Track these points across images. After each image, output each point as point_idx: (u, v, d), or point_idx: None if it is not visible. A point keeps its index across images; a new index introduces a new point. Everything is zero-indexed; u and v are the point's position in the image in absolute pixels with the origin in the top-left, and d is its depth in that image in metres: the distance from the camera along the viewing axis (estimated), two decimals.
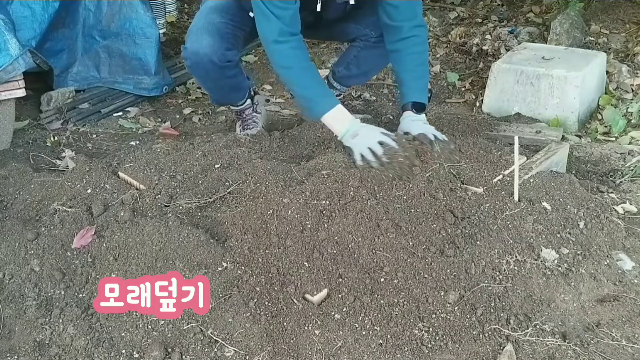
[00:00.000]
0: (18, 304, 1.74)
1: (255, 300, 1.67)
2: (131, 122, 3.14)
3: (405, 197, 1.93)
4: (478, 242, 1.82)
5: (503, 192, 1.98)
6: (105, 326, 1.65)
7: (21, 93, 2.66)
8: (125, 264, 1.78)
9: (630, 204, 2.21)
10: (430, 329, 1.63)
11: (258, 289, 1.70)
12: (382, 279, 1.74)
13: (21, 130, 2.91)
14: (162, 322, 1.64)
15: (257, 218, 1.87)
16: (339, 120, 2.19)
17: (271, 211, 1.86)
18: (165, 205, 2.00)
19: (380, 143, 2.06)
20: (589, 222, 1.93)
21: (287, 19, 2.13)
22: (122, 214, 1.91)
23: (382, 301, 1.69)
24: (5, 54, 2.51)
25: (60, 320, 1.66)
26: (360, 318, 1.66)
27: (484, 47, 3.89)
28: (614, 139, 2.92)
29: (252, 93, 2.73)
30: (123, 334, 1.63)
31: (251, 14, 2.36)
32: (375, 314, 1.66)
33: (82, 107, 3.13)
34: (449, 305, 1.68)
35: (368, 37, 2.56)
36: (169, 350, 1.57)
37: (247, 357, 1.56)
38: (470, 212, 1.93)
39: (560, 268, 1.79)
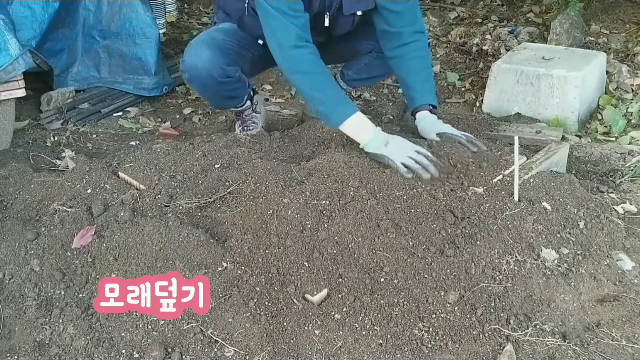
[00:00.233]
0: (18, 304, 1.74)
1: (255, 300, 1.67)
2: (131, 122, 3.14)
3: (405, 197, 1.93)
4: (478, 242, 1.82)
5: (503, 192, 1.98)
6: (105, 326, 1.65)
7: (21, 93, 2.66)
8: (125, 264, 1.78)
9: (630, 204, 2.21)
10: (430, 329, 1.63)
11: (258, 289, 1.70)
12: (382, 279, 1.74)
13: (21, 130, 2.91)
14: (162, 322, 1.64)
15: (257, 218, 1.87)
16: (361, 127, 2.13)
17: (271, 211, 1.86)
18: (165, 205, 2.00)
19: (416, 152, 2.03)
20: (589, 222, 1.93)
21: (301, 26, 2.12)
22: (122, 214, 1.91)
23: (382, 301, 1.69)
24: (5, 54, 2.52)
25: (60, 320, 1.66)
26: (360, 318, 1.66)
27: (484, 47, 3.89)
28: (614, 139, 2.92)
29: (252, 93, 2.73)
30: (123, 334, 1.63)
31: (260, 41, 2.35)
32: (375, 314, 1.66)
33: (82, 107, 3.13)
34: (449, 305, 1.68)
35: (379, 49, 2.53)
36: (169, 350, 1.57)
37: (247, 357, 1.56)
38: (470, 212, 1.93)
39: (560, 268, 1.79)
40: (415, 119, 2.38)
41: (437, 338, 1.61)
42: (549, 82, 2.96)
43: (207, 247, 1.79)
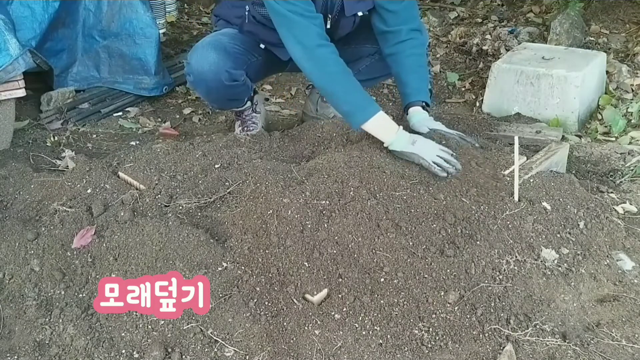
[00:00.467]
0: (18, 304, 1.74)
1: (255, 300, 1.67)
2: (131, 122, 3.14)
3: (405, 197, 1.93)
4: (478, 242, 1.82)
5: (503, 192, 1.98)
6: (105, 326, 1.65)
7: (21, 93, 2.66)
8: (125, 264, 1.78)
9: (630, 204, 2.21)
10: (430, 329, 1.63)
11: (258, 289, 1.70)
12: (382, 279, 1.74)
13: (21, 130, 2.91)
14: (162, 322, 1.64)
15: (257, 218, 1.87)
16: (386, 126, 2.12)
17: (271, 211, 1.86)
18: (165, 205, 2.00)
19: (443, 151, 2.07)
20: (589, 222, 1.93)
21: (320, 25, 2.13)
22: (122, 214, 1.91)
23: (382, 301, 1.69)
24: (5, 54, 2.51)
25: (60, 320, 1.66)
26: (360, 318, 1.66)
27: (484, 47, 3.89)
28: (614, 139, 2.92)
29: (252, 93, 2.73)
30: (123, 334, 1.63)
31: (262, 46, 2.35)
32: (375, 314, 1.66)
33: (82, 107, 3.13)
34: (449, 305, 1.68)
35: (381, 51, 2.53)
36: (169, 350, 1.58)
37: (247, 357, 1.56)
38: (470, 212, 1.93)
39: (560, 268, 1.79)
40: (407, 114, 2.37)
41: (437, 338, 1.61)
42: (549, 82, 2.96)
43: (207, 247, 1.79)
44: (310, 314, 1.66)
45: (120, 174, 2.20)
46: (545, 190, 2.00)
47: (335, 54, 2.14)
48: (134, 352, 1.59)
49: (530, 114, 3.02)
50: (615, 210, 2.12)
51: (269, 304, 1.67)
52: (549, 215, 1.90)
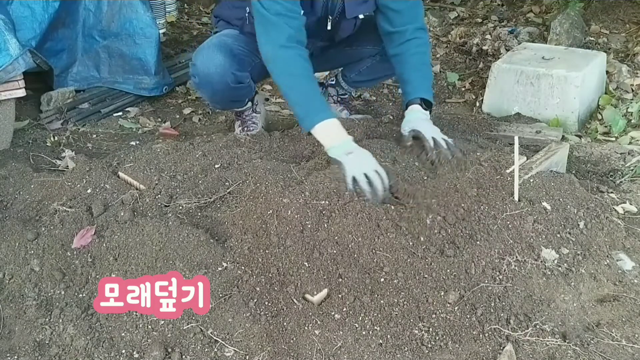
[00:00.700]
0: (18, 304, 1.74)
1: (255, 300, 1.67)
2: (131, 122, 3.14)
3: None
4: (478, 242, 1.82)
5: (503, 192, 1.98)
6: (105, 326, 1.65)
7: (21, 93, 2.66)
8: (125, 264, 1.78)
9: (630, 204, 2.21)
10: (430, 329, 1.63)
11: (258, 289, 1.70)
12: (382, 279, 1.74)
13: (21, 130, 2.91)
14: (162, 322, 1.64)
15: (257, 218, 1.87)
16: (335, 133, 2.07)
17: (271, 211, 1.86)
18: (165, 205, 2.00)
19: (375, 171, 1.93)
20: (589, 222, 1.93)
21: (296, 27, 2.11)
22: (122, 214, 1.91)
23: (382, 301, 1.69)
24: (5, 54, 2.51)
25: (60, 320, 1.66)
26: (360, 318, 1.66)
27: (484, 47, 3.89)
28: (614, 139, 2.92)
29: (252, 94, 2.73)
30: (123, 334, 1.63)
31: None
32: (375, 314, 1.66)
33: (82, 107, 3.13)
34: (449, 305, 1.68)
35: (382, 52, 2.52)
36: (169, 350, 1.58)
37: (247, 357, 1.56)
38: (470, 212, 1.93)
39: (560, 268, 1.79)
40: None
41: (437, 338, 1.61)
42: (549, 82, 2.96)
43: (207, 247, 1.79)
44: (310, 314, 1.66)
45: (120, 174, 2.20)
46: (545, 190, 2.00)
47: (301, 57, 2.11)
48: (134, 352, 1.59)
49: (530, 114, 3.02)
50: (615, 210, 2.12)
51: (269, 304, 1.67)
52: (549, 215, 1.90)
